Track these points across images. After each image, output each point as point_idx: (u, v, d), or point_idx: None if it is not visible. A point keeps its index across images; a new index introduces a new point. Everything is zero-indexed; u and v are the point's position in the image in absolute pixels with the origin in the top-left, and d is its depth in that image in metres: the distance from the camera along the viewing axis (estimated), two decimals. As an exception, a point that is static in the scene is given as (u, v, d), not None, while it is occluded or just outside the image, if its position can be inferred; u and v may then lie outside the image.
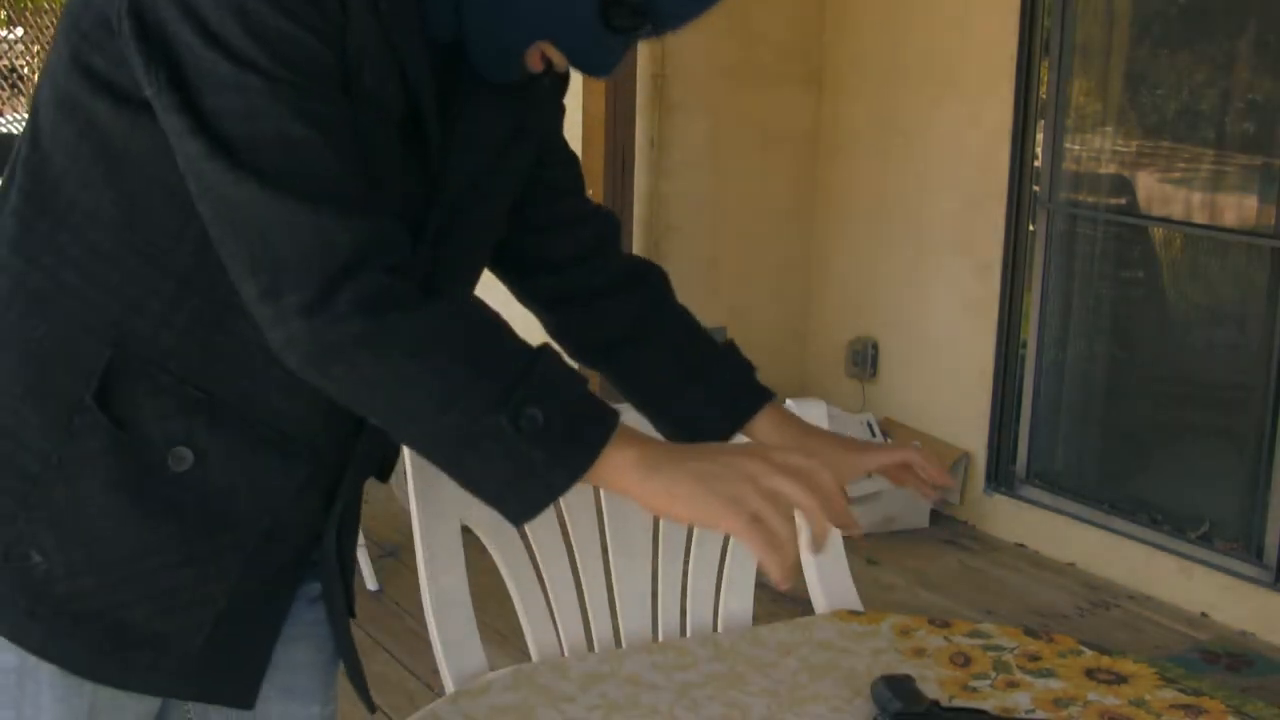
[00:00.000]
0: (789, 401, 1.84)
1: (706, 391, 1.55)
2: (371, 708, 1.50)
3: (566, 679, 1.60)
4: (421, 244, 1.23)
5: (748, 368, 1.58)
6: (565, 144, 1.54)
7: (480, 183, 1.30)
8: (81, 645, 1.24)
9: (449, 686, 1.70)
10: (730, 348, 1.61)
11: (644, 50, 4.73)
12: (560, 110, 1.48)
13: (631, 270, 1.69)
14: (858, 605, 1.90)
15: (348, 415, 1.22)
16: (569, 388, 1.15)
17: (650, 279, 1.69)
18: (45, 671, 1.24)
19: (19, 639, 1.22)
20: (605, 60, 1.22)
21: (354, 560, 1.48)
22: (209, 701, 1.38)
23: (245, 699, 1.38)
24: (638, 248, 4.85)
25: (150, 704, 1.35)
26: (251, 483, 1.25)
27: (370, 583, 3.77)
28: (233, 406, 1.22)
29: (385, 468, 1.44)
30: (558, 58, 1.21)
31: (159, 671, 1.29)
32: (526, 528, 1.73)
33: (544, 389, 1.12)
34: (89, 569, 1.22)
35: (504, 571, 1.79)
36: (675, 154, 4.90)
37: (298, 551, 1.36)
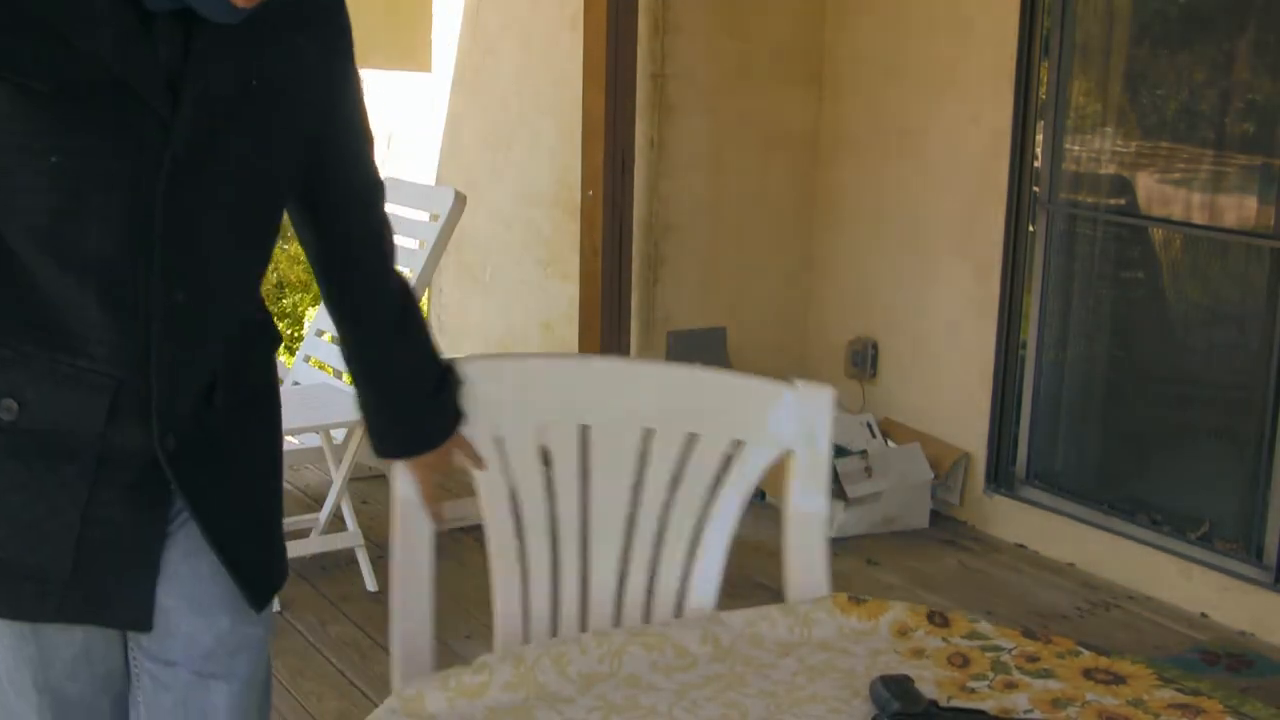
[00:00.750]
0: (798, 382, 1.90)
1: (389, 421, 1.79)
2: (255, 606, 1.60)
3: (566, 679, 1.59)
4: (164, 184, 1.37)
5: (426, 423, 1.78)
6: (354, 204, 1.68)
7: (215, 136, 1.41)
8: None
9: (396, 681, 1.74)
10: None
11: (644, 50, 4.73)
12: (331, 141, 1.58)
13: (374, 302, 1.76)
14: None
15: (133, 346, 1.41)
16: None
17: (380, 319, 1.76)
18: None
19: None
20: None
21: (233, 482, 1.59)
22: (104, 624, 1.52)
23: (139, 621, 1.51)
24: (638, 248, 4.84)
25: (71, 637, 1.51)
26: (70, 417, 1.43)
27: (370, 583, 3.77)
28: (37, 355, 1.41)
29: (210, 395, 1.54)
30: None
31: (47, 600, 1.46)
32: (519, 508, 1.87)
33: None
34: None
35: (490, 548, 1.85)
36: (675, 154, 4.90)
37: (140, 473, 1.48)
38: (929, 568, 4.27)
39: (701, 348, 5.01)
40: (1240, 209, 3.97)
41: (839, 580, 4.36)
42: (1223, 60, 4.02)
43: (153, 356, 1.44)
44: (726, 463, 1.91)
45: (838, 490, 4.47)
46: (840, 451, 4.62)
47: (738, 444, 1.91)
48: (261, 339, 1.68)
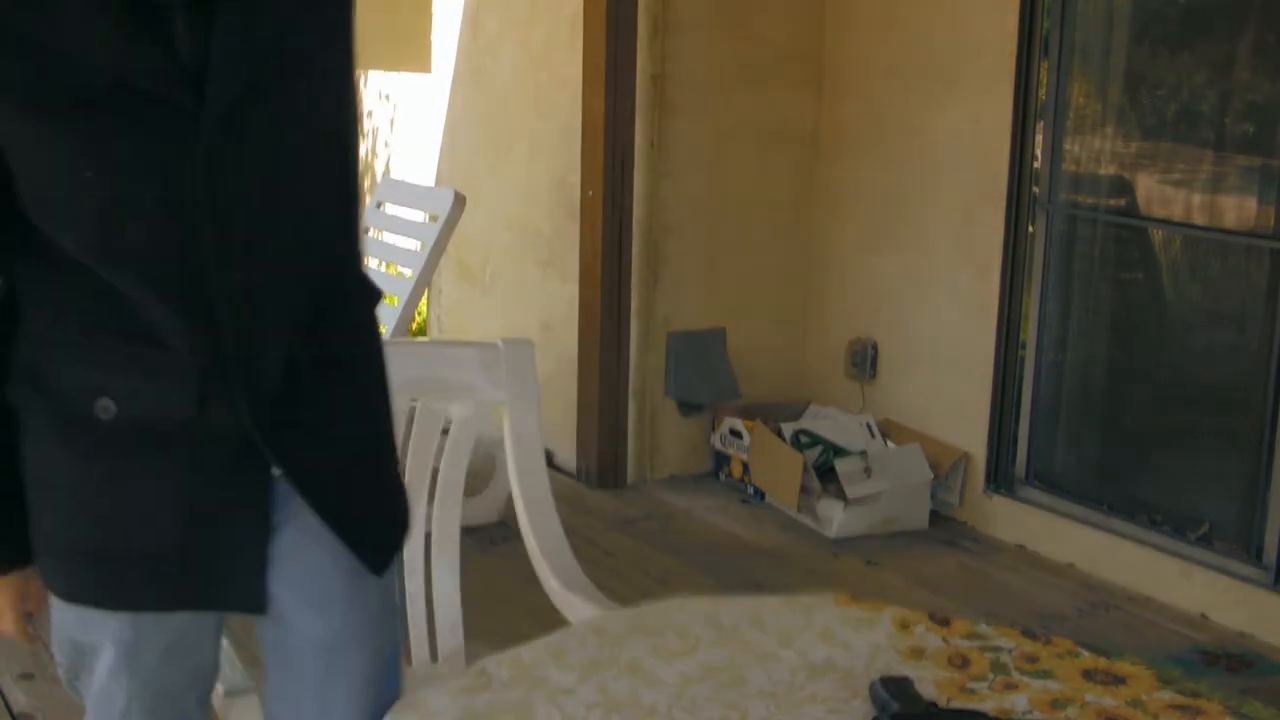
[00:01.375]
0: (500, 341, 2.20)
1: None
2: (375, 570, 1.59)
3: (566, 668, 1.60)
4: (192, 180, 1.36)
5: None
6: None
7: (250, 118, 1.38)
8: (71, 577, 1.49)
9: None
10: None
11: (644, 51, 4.73)
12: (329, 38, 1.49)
13: None
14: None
15: (205, 332, 1.42)
16: None
17: None
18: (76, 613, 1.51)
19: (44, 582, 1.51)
20: None
21: (341, 461, 1.58)
22: (216, 608, 1.53)
23: (252, 602, 1.52)
24: (638, 249, 4.85)
25: (167, 626, 1.51)
26: (161, 407, 1.44)
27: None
28: (119, 351, 1.43)
29: (298, 365, 1.51)
30: None
31: (155, 587, 1.48)
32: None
33: None
34: (48, 509, 1.47)
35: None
36: (675, 155, 4.90)
37: (240, 453, 1.48)
38: (929, 568, 4.26)
39: (701, 348, 5.01)
40: (1240, 209, 3.97)
41: (839, 581, 4.37)
42: (1223, 61, 4.02)
43: (225, 338, 1.43)
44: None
45: (837, 491, 4.47)
46: (840, 452, 4.63)
47: (463, 401, 2.20)
48: (354, 298, 1.62)
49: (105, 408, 1.43)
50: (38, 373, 1.45)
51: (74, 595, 1.52)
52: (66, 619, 1.55)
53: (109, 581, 1.49)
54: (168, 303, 1.41)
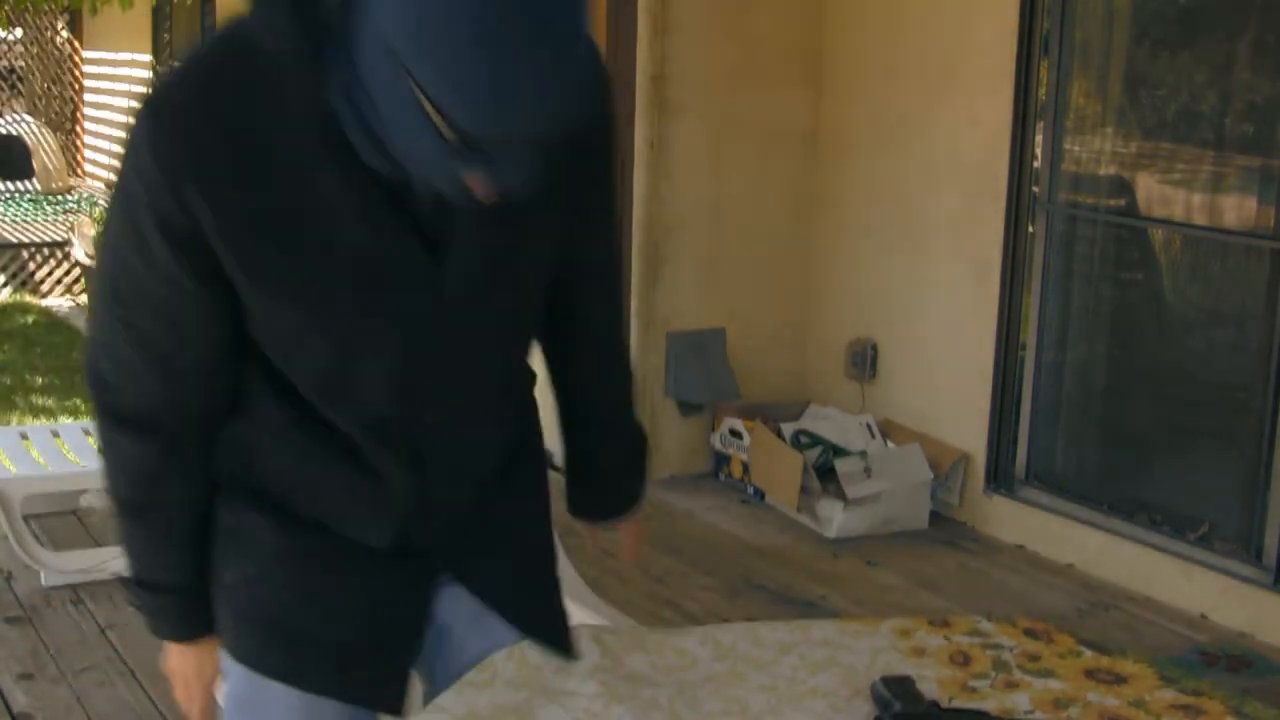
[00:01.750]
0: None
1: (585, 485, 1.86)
2: (565, 657, 1.66)
3: (568, 673, 1.59)
4: (431, 335, 1.48)
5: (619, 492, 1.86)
6: (600, 280, 1.72)
7: (480, 287, 1.48)
8: (258, 644, 1.58)
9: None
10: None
11: (644, 52, 4.73)
12: (584, 232, 1.62)
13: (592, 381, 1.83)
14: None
15: (413, 460, 1.53)
16: (157, 608, 1.61)
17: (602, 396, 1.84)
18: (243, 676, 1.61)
19: (232, 652, 1.60)
20: (517, 176, 1.30)
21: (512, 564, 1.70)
22: (362, 704, 1.61)
23: (396, 705, 1.61)
24: (637, 249, 4.85)
25: (334, 714, 1.60)
26: (365, 523, 1.57)
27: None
28: (334, 472, 1.55)
29: (487, 487, 1.66)
30: (484, 186, 1.31)
31: (320, 671, 1.57)
32: None
33: (146, 601, 1.61)
34: (261, 579, 1.57)
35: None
36: (675, 155, 4.90)
37: (418, 567, 1.61)
38: (928, 568, 4.26)
39: (701, 348, 5.01)
40: (1240, 210, 3.97)
41: (839, 581, 4.37)
42: (1222, 61, 4.01)
43: (433, 479, 1.57)
44: None
45: (837, 491, 4.47)
46: (840, 452, 4.62)
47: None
48: (529, 402, 1.73)
49: (313, 518, 1.56)
50: (255, 491, 1.56)
51: (264, 668, 1.59)
52: (243, 686, 1.62)
53: (296, 661, 1.58)
54: (384, 445, 1.53)
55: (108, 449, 1.55)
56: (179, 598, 1.60)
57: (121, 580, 1.63)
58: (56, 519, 4.41)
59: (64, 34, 13.29)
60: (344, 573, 1.58)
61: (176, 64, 1.41)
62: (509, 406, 1.67)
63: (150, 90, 1.40)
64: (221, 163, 1.35)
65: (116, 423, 1.52)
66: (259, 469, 1.56)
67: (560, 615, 1.70)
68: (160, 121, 1.35)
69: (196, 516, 1.57)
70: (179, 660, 1.66)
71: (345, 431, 1.51)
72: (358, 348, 1.46)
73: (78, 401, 6.37)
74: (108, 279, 1.47)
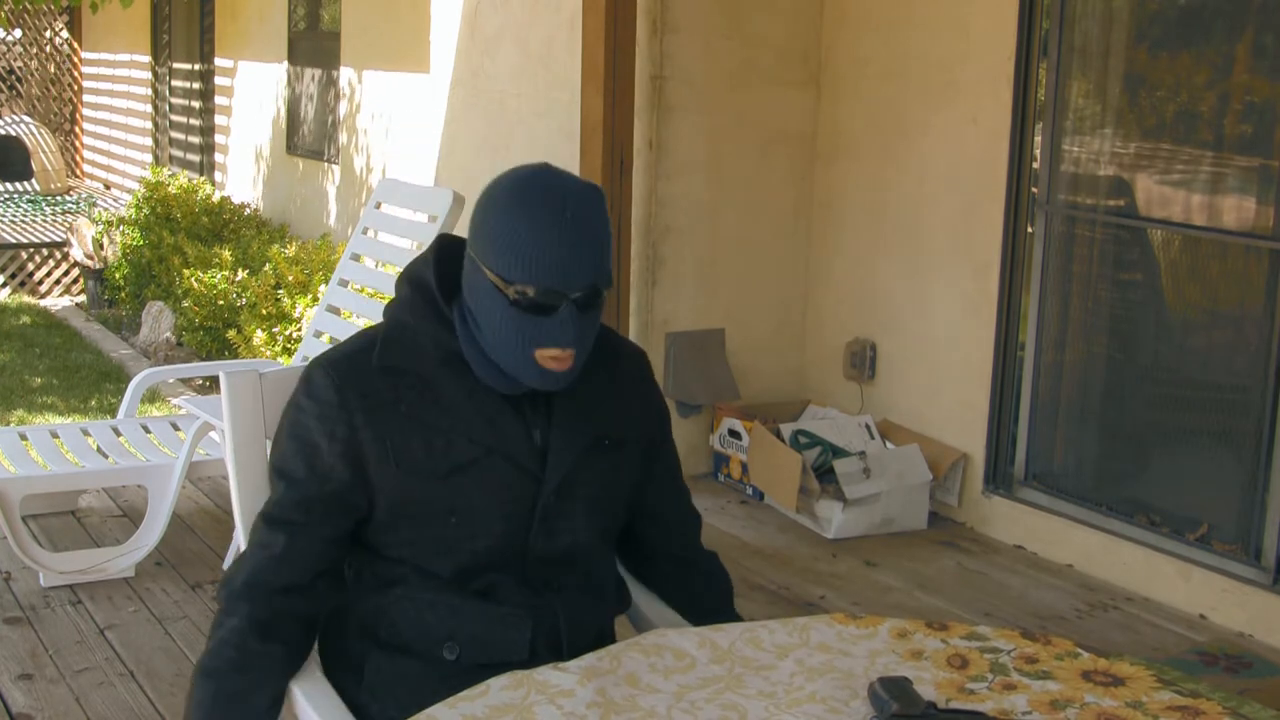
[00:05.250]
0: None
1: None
2: None
3: (565, 672, 1.60)
4: (532, 523, 1.86)
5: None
6: (672, 504, 2.11)
7: (574, 479, 1.87)
8: None
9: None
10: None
11: (643, 52, 4.73)
12: (653, 469, 2.03)
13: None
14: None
15: (535, 599, 1.86)
16: None
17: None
18: None
19: None
20: (571, 333, 1.77)
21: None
22: None
23: None
24: (636, 249, 4.85)
25: None
26: (498, 650, 1.83)
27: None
28: (466, 605, 1.84)
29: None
30: (552, 351, 1.78)
31: None
32: None
33: None
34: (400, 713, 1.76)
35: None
36: (674, 156, 4.90)
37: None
38: (927, 569, 4.26)
39: (700, 349, 5.01)
40: (1239, 210, 3.97)
41: (838, 581, 4.37)
42: (1222, 62, 4.01)
43: (551, 599, 1.88)
44: None
45: (836, 491, 4.47)
46: (839, 452, 4.63)
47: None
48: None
49: (451, 648, 1.84)
50: (392, 625, 1.86)
51: None
52: None
53: None
54: (503, 588, 1.86)
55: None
56: None
57: None
58: (56, 519, 4.41)
59: (63, 35, 13.29)
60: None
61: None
62: (593, 576, 1.96)
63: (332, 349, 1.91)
64: (380, 388, 1.83)
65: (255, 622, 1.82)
66: (396, 621, 1.87)
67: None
68: (336, 365, 1.85)
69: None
70: None
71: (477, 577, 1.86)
72: (475, 524, 1.83)
73: (77, 401, 6.37)
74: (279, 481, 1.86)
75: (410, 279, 1.91)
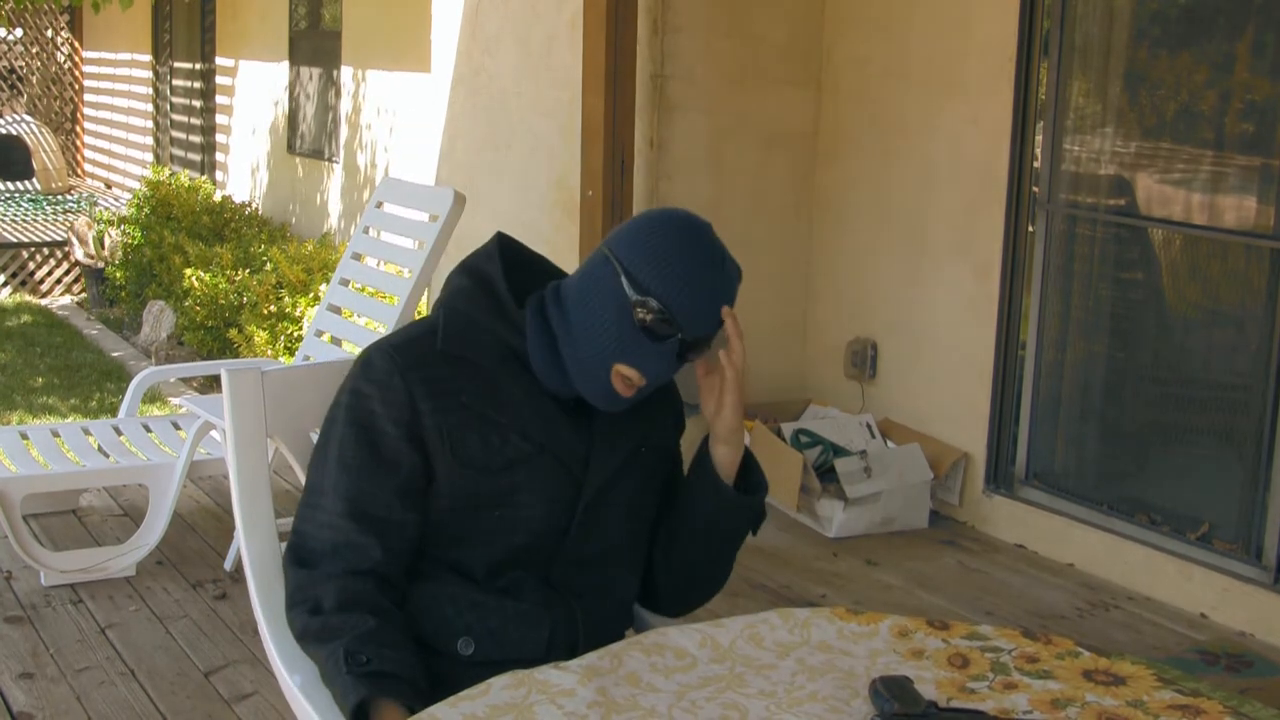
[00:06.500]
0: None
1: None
2: None
3: (567, 672, 1.60)
4: (570, 524, 1.90)
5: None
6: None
7: (612, 485, 1.93)
8: None
9: None
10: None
11: (644, 51, 4.73)
12: (672, 471, 2.06)
13: None
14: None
15: (555, 597, 1.90)
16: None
17: None
18: None
19: None
20: (660, 368, 1.85)
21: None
22: None
23: None
24: (637, 248, 4.84)
25: None
26: (515, 647, 1.86)
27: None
28: (486, 600, 1.86)
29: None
30: (632, 374, 1.84)
31: None
32: None
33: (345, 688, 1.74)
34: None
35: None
36: (675, 154, 4.90)
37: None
38: (928, 568, 4.26)
39: (701, 348, 5.00)
40: (1240, 209, 3.97)
41: (838, 580, 4.36)
42: (1222, 61, 4.01)
43: (572, 602, 1.90)
44: None
45: (837, 490, 4.47)
46: (839, 451, 4.63)
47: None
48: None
49: (466, 643, 1.85)
50: (410, 616, 1.84)
51: None
52: None
53: None
54: (533, 580, 1.89)
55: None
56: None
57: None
58: (57, 518, 4.41)
59: (64, 34, 13.30)
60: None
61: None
62: (624, 577, 2.01)
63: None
64: (443, 375, 1.85)
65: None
66: (417, 615, 1.87)
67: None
68: (399, 349, 1.86)
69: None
70: None
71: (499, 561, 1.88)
72: (519, 520, 1.86)
73: (78, 401, 6.37)
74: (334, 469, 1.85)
75: (471, 271, 1.92)
